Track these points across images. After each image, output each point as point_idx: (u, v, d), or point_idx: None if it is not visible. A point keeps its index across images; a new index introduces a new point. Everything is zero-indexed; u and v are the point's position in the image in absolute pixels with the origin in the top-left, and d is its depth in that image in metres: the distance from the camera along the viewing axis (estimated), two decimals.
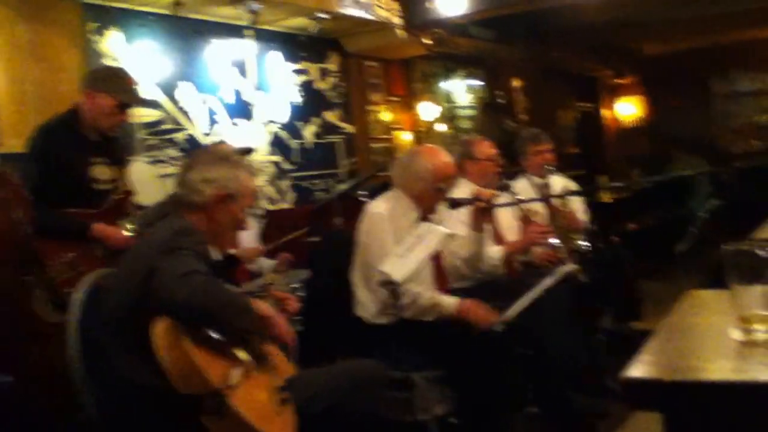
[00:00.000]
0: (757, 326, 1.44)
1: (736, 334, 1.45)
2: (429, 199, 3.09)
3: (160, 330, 1.88)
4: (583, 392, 3.22)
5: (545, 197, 3.98)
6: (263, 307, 2.11)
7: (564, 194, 3.94)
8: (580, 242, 3.73)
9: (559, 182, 4.19)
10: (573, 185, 4.29)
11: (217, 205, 2.20)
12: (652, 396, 1.30)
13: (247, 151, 3.90)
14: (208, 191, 2.18)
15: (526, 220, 3.66)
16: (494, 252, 3.39)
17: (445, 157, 3.13)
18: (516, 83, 8.63)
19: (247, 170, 2.29)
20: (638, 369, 1.33)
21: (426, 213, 3.11)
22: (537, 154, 4.17)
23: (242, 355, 2.02)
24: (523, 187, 4.16)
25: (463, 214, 3.20)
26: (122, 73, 3.30)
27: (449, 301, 2.94)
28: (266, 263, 4.09)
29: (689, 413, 1.28)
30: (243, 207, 2.26)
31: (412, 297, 2.86)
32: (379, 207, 3.06)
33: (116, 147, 3.30)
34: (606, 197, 6.53)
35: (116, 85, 3.16)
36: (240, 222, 2.29)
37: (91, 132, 3.16)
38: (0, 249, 2.52)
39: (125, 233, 3.06)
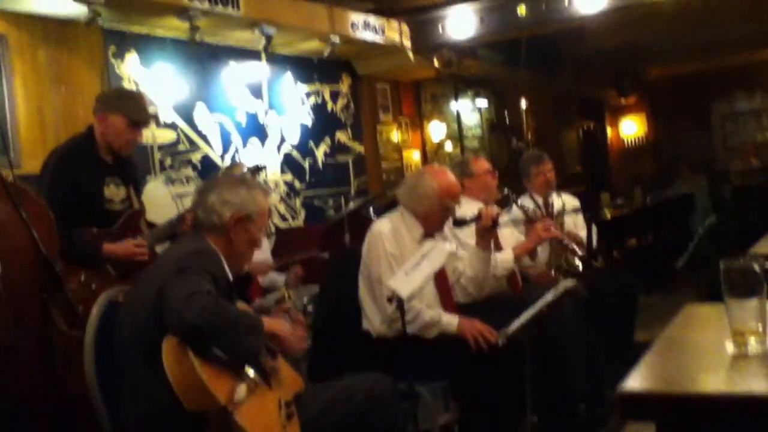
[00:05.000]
0: (750, 339, 1.46)
1: (730, 348, 1.47)
2: (436, 218, 3.17)
3: (168, 346, 1.91)
4: (583, 402, 3.28)
5: (546, 216, 4.06)
6: (274, 323, 2.17)
7: (564, 212, 4.01)
8: (576, 262, 3.79)
9: (559, 201, 4.27)
10: (575, 202, 4.37)
11: (236, 226, 2.28)
12: (647, 408, 1.33)
13: (259, 169, 3.99)
14: (227, 213, 2.26)
15: (530, 220, 3.72)
16: (506, 256, 3.46)
17: (450, 177, 3.22)
18: (523, 104, 8.74)
19: (262, 191, 2.40)
20: (634, 382, 1.36)
21: (433, 231, 3.19)
22: (540, 175, 4.27)
23: (249, 371, 2.04)
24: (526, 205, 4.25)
25: (471, 231, 3.28)
26: (132, 93, 3.37)
27: (450, 320, 3.00)
28: (279, 278, 4.18)
29: (683, 425, 1.30)
30: (260, 227, 2.36)
31: (414, 313, 2.94)
32: (381, 226, 3.14)
33: (128, 167, 3.35)
34: (607, 214, 6.60)
35: (127, 104, 3.23)
36: (256, 241, 2.37)
37: (105, 153, 3.22)
38: (21, 267, 2.57)
39: (132, 245, 3.09)
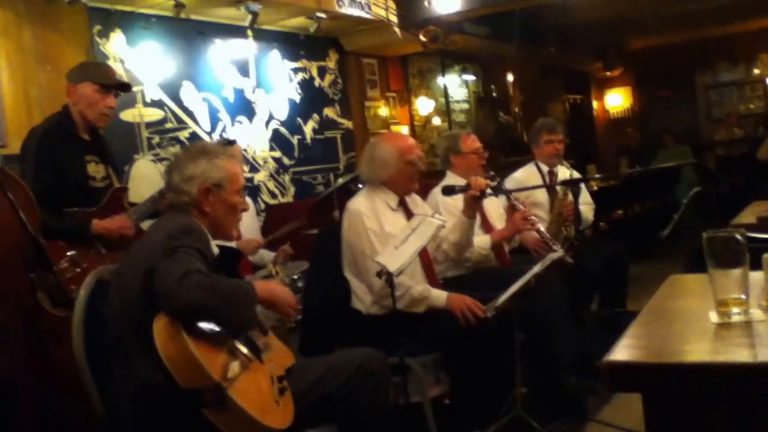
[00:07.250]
0: (733, 309, 1.50)
1: (714, 317, 1.51)
2: (403, 177, 3.18)
3: (160, 325, 1.90)
4: (572, 373, 3.34)
5: (548, 184, 4.09)
6: (266, 285, 2.15)
7: (571, 182, 3.97)
8: (573, 233, 3.82)
9: (565, 172, 4.28)
10: (577, 176, 4.34)
11: (206, 198, 2.23)
12: (633, 379, 1.36)
13: (230, 142, 4.00)
14: (194, 188, 2.23)
15: (511, 208, 3.76)
16: (482, 242, 3.50)
17: (402, 136, 3.28)
18: (509, 78, 8.75)
19: (226, 156, 2.32)
20: (620, 353, 1.38)
21: (406, 192, 3.22)
22: (550, 143, 4.26)
23: (241, 347, 2.05)
24: (530, 173, 4.27)
25: (458, 200, 3.31)
26: (98, 63, 3.34)
27: (439, 295, 3.04)
28: (267, 255, 4.19)
29: (668, 394, 1.33)
30: (234, 191, 2.29)
31: (404, 289, 2.97)
32: (357, 204, 3.15)
33: (104, 145, 3.34)
34: (594, 186, 6.69)
35: (91, 70, 3.25)
36: (236, 206, 2.32)
37: (82, 131, 3.22)
38: (9, 249, 2.57)
39: (125, 218, 3.11)
